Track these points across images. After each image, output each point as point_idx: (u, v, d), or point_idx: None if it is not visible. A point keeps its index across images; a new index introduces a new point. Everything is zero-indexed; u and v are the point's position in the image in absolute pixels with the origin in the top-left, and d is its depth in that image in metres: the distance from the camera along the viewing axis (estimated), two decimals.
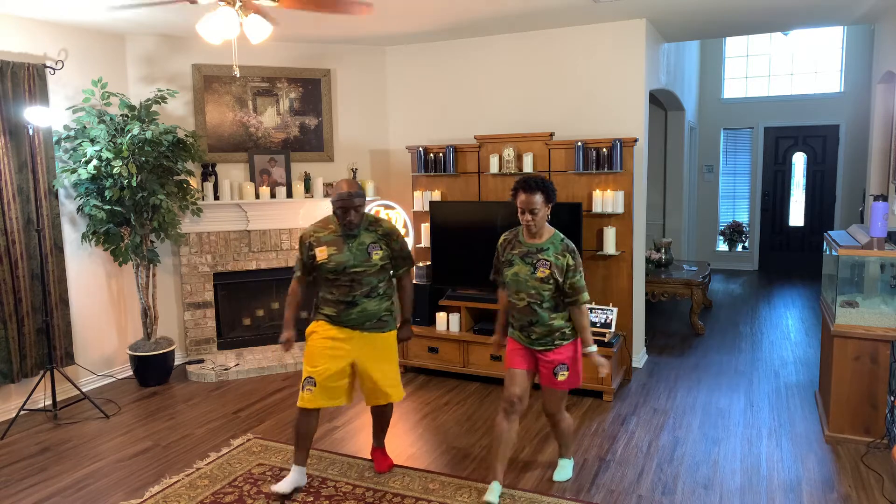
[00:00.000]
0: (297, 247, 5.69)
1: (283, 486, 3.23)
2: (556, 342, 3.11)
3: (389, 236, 3.25)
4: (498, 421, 3.14)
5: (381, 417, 3.50)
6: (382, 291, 3.27)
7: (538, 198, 2.99)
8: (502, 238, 3.23)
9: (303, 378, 3.22)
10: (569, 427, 3.36)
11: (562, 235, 3.13)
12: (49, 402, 4.51)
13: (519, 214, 3.05)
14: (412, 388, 4.82)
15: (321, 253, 3.16)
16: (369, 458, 3.65)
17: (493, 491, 3.10)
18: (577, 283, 3.04)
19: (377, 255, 3.19)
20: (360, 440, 3.92)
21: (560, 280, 3.02)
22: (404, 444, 3.87)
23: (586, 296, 3.08)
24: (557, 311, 3.09)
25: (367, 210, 3.91)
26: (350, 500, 3.21)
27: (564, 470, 3.42)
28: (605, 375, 2.71)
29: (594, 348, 3.11)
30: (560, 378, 3.11)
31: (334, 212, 3.15)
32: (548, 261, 3.02)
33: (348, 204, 3.09)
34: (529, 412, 4.29)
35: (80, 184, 4.61)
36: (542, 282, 3.01)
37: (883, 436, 3.64)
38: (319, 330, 3.25)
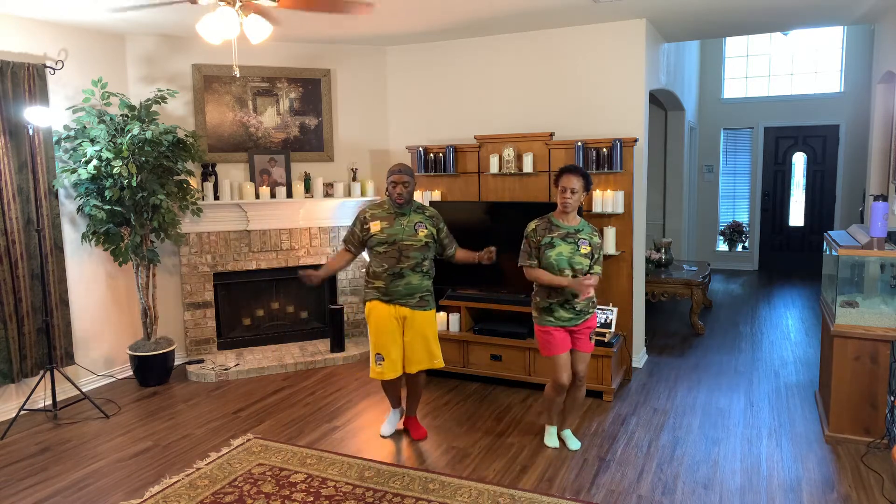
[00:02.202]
0: (296, 246, 5.73)
1: (386, 429, 3.97)
2: (591, 310, 3.63)
3: (437, 219, 3.78)
4: (551, 395, 3.68)
5: (416, 386, 3.94)
6: (426, 270, 3.74)
7: (578, 181, 3.47)
8: (532, 225, 3.61)
9: (373, 354, 3.78)
10: (584, 392, 3.79)
11: (586, 221, 3.66)
12: (49, 402, 4.51)
13: (559, 194, 3.52)
14: None
15: (375, 226, 3.67)
16: (369, 458, 3.66)
17: (552, 434, 3.80)
18: (601, 258, 3.64)
19: (423, 231, 3.67)
20: (360, 440, 3.92)
21: (593, 255, 3.57)
22: (405, 443, 3.88)
23: (600, 268, 3.68)
24: None
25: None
26: (350, 500, 3.21)
27: (572, 439, 3.82)
28: (589, 284, 3.40)
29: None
30: (593, 341, 3.68)
31: (387, 187, 3.66)
32: (586, 239, 3.55)
33: (398, 178, 3.61)
34: (530, 411, 4.30)
35: (80, 184, 4.61)
36: (586, 256, 3.53)
37: (883, 436, 3.64)
38: (375, 310, 3.73)
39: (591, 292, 3.47)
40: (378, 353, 3.74)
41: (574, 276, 3.49)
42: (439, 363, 3.86)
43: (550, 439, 3.79)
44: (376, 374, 3.77)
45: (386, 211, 3.70)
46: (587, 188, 3.52)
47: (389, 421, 4.03)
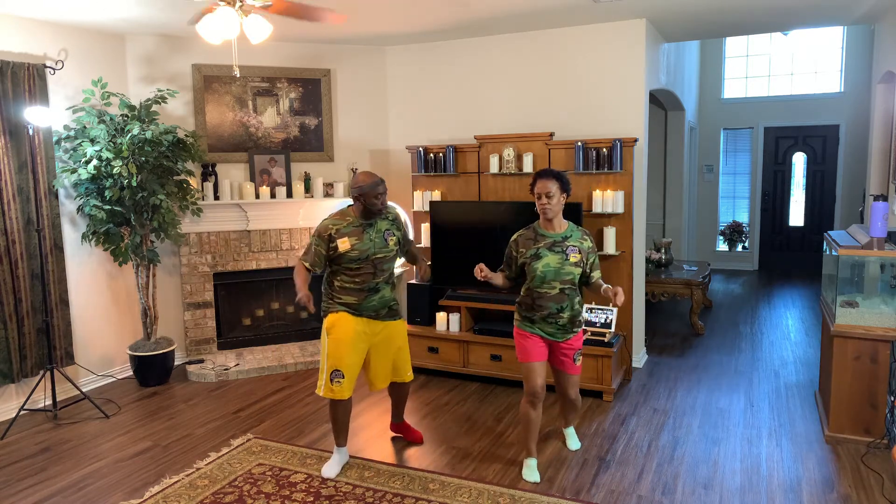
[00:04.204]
0: (296, 246, 5.72)
1: (332, 470, 3.47)
2: (575, 329, 3.42)
3: (399, 220, 3.60)
4: (525, 411, 3.40)
5: (402, 394, 3.82)
6: (392, 278, 3.58)
7: (553, 184, 3.25)
8: (516, 235, 3.43)
9: (328, 371, 3.39)
10: (581, 404, 3.70)
11: (576, 225, 3.43)
12: (49, 402, 4.51)
13: (536, 201, 3.30)
14: (412, 388, 4.81)
15: (343, 244, 3.35)
16: (369, 458, 3.66)
17: (532, 468, 3.43)
18: (594, 262, 3.43)
19: (392, 240, 3.49)
20: (360, 440, 3.92)
21: (585, 262, 3.36)
22: (404, 443, 3.87)
23: (599, 271, 3.48)
24: (579, 295, 3.42)
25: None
26: (350, 500, 3.21)
27: (574, 438, 3.77)
28: (621, 302, 3.21)
29: (608, 286, 3.34)
30: (578, 363, 3.47)
31: (370, 199, 3.34)
32: (575, 246, 3.33)
33: (384, 188, 3.38)
34: None
35: (80, 184, 4.61)
36: (576, 265, 3.31)
37: (883, 436, 3.64)
38: (340, 323, 3.41)
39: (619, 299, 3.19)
40: (336, 370, 3.36)
41: (563, 289, 3.28)
42: (410, 376, 3.70)
43: (530, 473, 3.40)
44: (332, 394, 3.37)
45: (352, 224, 3.38)
46: (565, 190, 3.28)
47: (335, 461, 3.51)
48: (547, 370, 3.45)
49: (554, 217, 3.30)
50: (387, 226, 3.48)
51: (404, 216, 5.55)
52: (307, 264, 3.37)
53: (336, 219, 3.41)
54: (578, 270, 3.32)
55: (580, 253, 3.31)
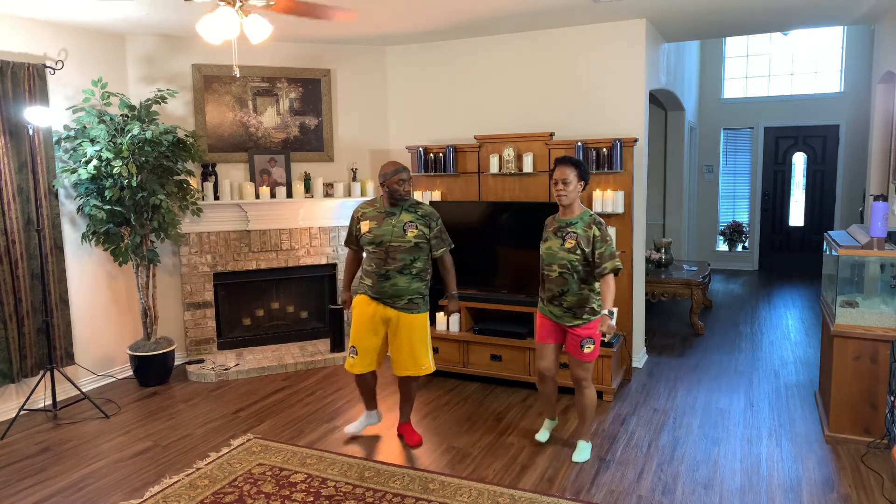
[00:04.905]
0: (296, 246, 5.73)
1: (352, 428, 3.92)
2: (586, 317, 3.44)
3: (429, 217, 3.64)
4: (538, 384, 3.73)
5: (406, 391, 3.86)
6: (416, 272, 3.60)
7: (571, 171, 3.35)
8: (546, 221, 3.61)
9: (349, 345, 3.75)
10: (592, 401, 3.60)
11: (592, 212, 3.46)
12: (49, 402, 4.51)
13: (553, 187, 3.42)
14: None
15: (364, 226, 3.62)
16: (369, 458, 3.66)
17: (543, 431, 3.80)
18: (604, 253, 3.33)
19: (412, 233, 3.55)
20: (360, 440, 3.92)
21: (588, 251, 3.34)
22: (404, 443, 3.87)
23: (611, 265, 3.32)
24: (587, 283, 3.41)
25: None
26: (350, 500, 3.21)
27: (583, 451, 3.63)
28: (607, 333, 3.24)
29: (606, 311, 3.26)
30: (586, 350, 3.46)
31: (392, 185, 3.53)
32: (575, 233, 3.36)
33: (406, 176, 3.54)
34: (530, 411, 4.29)
35: (80, 184, 4.61)
36: (570, 252, 3.35)
37: (883, 436, 3.64)
38: (361, 304, 3.69)
39: (605, 326, 3.21)
40: (353, 346, 3.71)
41: (561, 273, 3.39)
42: (427, 370, 3.72)
43: (540, 433, 3.81)
44: (347, 366, 3.76)
45: (377, 210, 3.63)
46: (583, 178, 3.37)
47: (360, 421, 3.98)
48: (558, 354, 3.63)
49: (569, 204, 3.39)
50: (410, 218, 3.58)
51: None
52: (352, 246, 3.77)
53: (366, 204, 3.70)
54: (574, 257, 3.35)
55: (575, 240, 3.35)
